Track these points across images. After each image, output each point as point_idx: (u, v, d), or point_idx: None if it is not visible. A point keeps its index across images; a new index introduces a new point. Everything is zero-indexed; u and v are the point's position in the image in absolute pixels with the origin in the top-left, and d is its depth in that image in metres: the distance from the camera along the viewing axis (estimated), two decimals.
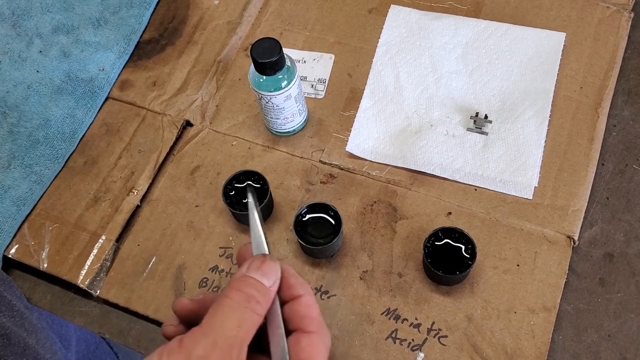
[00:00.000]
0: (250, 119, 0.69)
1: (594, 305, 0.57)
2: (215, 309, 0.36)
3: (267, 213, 0.63)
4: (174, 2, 0.78)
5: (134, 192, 0.65)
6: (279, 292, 0.39)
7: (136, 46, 0.75)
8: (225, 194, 0.61)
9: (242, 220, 0.62)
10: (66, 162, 0.68)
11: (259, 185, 0.61)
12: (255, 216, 0.42)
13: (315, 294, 0.59)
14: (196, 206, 0.64)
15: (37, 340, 0.58)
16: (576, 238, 0.59)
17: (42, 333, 0.61)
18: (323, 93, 0.69)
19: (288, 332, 0.38)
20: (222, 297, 0.37)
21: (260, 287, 0.37)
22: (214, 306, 0.37)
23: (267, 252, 0.40)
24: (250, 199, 0.43)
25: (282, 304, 0.39)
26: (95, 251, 0.62)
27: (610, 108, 0.65)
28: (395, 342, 0.56)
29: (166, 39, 0.75)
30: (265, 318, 0.38)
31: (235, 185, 0.61)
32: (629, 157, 0.63)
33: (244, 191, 0.61)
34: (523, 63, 0.67)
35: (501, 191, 0.61)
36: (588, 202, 0.61)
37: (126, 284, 0.61)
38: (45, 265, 0.62)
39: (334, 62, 0.71)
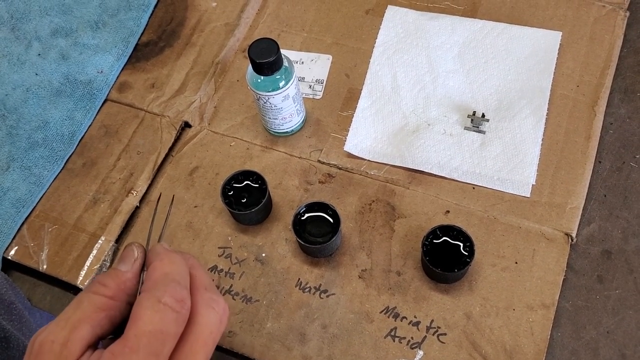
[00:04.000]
0: (248, 119, 0.69)
1: (593, 302, 0.57)
2: None
3: (266, 213, 0.63)
4: (172, 5, 0.78)
5: (133, 193, 0.66)
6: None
7: (134, 48, 0.75)
8: (224, 194, 0.61)
9: (241, 220, 0.62)
10: (65, 163, 0.68)
11: (257, 185, 0.61)
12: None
13: (314, 293, 0.59)
14: (195, 206, 0.65)
15: None
16: (574, 235, 0.59)
17: None
18: (321, 93, 0.70)
19: None
20: None
21: (110, 272, 0.39)
22: None
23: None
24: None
25: None
26: (94, 252, 0.63)
27: (606, 106, 0.65)
28: (394, 340, 0.56)
29: (164, 41, 0.76)
30: None
31: (234, 185, 0.61)
32: (626, 155, 0.64)
33: (243, 191, 0.61)
34: (520, 62, 0.68)
35: (499, 189, 0.62)
36: (585, 199, 0.61)
37: None
38: (45, 266, 0.62)
39: (331, 62, 0.71)
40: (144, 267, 0.40)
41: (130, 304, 0.39)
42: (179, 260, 0.39)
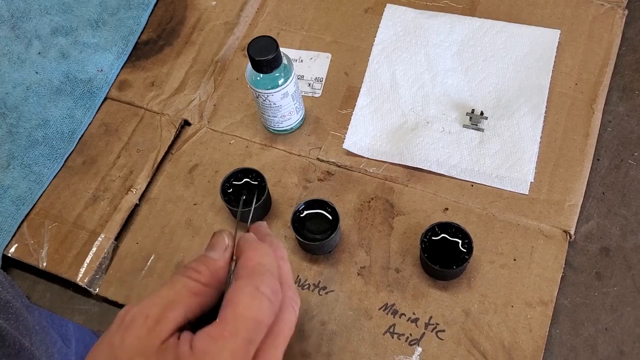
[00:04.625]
0: (247, 117, 0.69)
1: (591, 299, 0.58)
2: None
3: (265, 210, 0.63)
4: (172, 4, 0.78)
5: (132, 191, 0.66)
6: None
7: (134, 47, 0.75)
8: (224, 191, 0.61)
9: (239, 217, 0.62)
10: (65, 161, 0.69)
11: (257, 183, 0.61)
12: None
13: (313, 290, 0.59)
14: (194, 204, 0.65)
15: (32, 342, 0.58)
16: (572, 232, 0.59)
17: (39, 335, 0.61)
18: (320, 92, 0.70)
19: None
20: None
21: (202, 258, 0.40)
22: None
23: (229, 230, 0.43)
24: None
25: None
26: (94, 249, 0.63)
27: (605, 104, 0.65)
28: (393, 337, 0.56)
29: (164, 39, 0.76)
30: None
31: (234, 182, 0.62)
32: (624, 153, 0.64)
33: (242, 189, 0.61)
34: (518, 60, 0.68)
35: (497, 187, 0.62)
36: (584, 197, 0.61)
37: (125, 281, 0.61)
38: (45, 263, 0.63)
39: (330, 61, 0.71)
40: (233, 255, 0.41)
41: (219, 292, 0.40)
42: (271, 252, 0.41)
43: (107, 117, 0.71)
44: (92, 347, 0.37)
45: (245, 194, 0.61)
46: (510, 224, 0.60)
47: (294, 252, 0.61)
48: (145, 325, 0.36)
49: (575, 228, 0.60)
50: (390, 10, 0.73)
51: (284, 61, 0.60)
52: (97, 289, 0.62)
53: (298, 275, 0.60)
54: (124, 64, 0.74)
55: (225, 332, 0.36)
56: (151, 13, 0.78)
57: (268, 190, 0.61)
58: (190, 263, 0.40)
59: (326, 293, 0.59)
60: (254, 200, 0.59)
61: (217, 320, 0.36)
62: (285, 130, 0.67)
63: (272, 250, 0.41)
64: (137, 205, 0.65)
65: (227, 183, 0.61)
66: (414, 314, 0.57)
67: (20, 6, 0.79)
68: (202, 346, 0.35)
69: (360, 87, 0.69)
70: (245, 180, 0.62)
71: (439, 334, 0.56)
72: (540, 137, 0.64)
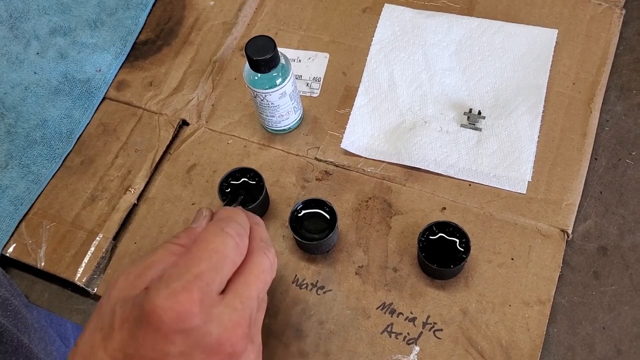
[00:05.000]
0: (246, 117, 0.69)
1: (588, 298, 0.58)
2: None
3: (263, 210, 0.63)
4: (170, 4, 0.78)
5: (130, 191, 0.66)
6: None
7: (132, 47, 0.76)
8: (221, 191, 0.61)
9: None
10: (63, 161, 0.69)
11: (254, 182, 0.61)
12: None
13: (311, 289, 0.59)
14: (192, 204, 0.65)
15: (31, 339, 0.58)
16: (570, 232, 0.59)
17: (38, 333, 0.61)
18: (318, 91, 0.70)
19: None
20: None
21: (185, 229, 0.46)
22: None
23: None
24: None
25: None
26: (92, 249, 0.63)
27: (602, 103, 0.65)
28: (390, 336, 0.56)
29: (162, 39, 0.76)
30: None
31: (231, 182, 0.62)
32: (622, 152, 0.64)
33: (240, 188, 0.61)
34: (516, 60, 0.68)
35: (495, 186, 0.62)
36: (582, 196, 0.61)
37: None
38: (43, 263, 0.63)
39: (328, 60, 0.71)
40: None
41: None
42: (242, 213, 0.45)
43: (106, 117, 0.71)
44: None
45: (243, 194, 0.61)
46: (507, 223, 0.60)
47: (291, 251, 0.61)
48: (127, 280, 0.41)
49: (573, 227, 0.60)
50: (388, 10, 0.73)
51: (282, 61, 0.60)
52: (96, 289, 0.62)
53: (296, 275, 0.60)
54: (122, 64, 0.74)
55: (188, 260, 0.39)
56: (149, 13, 0.78)
57: (266, 189, 0.61)
58: (173, 235, 0.45)
59: (324, 292, 0.59)
60: (239, 198, 0.59)
61: (185, 252, 0.41)
62: (283, 130, 0.67)
63: (248, 217, 0.45)
64: (135, 205, 0.66)
65: (225, 183, 0.61)
66: (411, 313, 0.57)
67: (19, 6, 0.79)
68: (168, 273, 0.39)
69: (358, 87, 0.69)
70: (243, 179, 0.62)
71: (436, 333, 0.56)
72: (538, 137, 0.64)
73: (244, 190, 0.61)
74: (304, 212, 0.59)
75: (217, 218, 0.44)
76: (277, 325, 0.57)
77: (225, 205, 0.51)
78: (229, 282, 0.41)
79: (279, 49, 0.59)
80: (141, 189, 0.66)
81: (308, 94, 0.70)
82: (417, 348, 0.56)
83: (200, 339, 0.38)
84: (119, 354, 0.38)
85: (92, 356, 0.39)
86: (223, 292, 0.40)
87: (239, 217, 0.44)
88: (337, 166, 0.65)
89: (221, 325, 0.38)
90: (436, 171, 0.63)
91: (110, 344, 0.39)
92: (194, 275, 0.38)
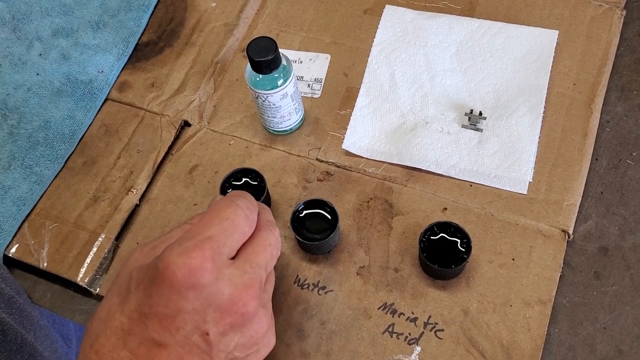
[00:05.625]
0: (247, 118, 0.70)
1: (589, 298, 0.58)
2: None
3: None
4: (172, 5, 0.79)
5: (132, 191, 0.66)
6: None
7: (135, 48, 0.76)
8: (223, 191, 0.61)
9: None
10: (66, 162, 0.69)
11: (256, 183, 0.62)
12: None
13: (313, 289, 0.59)
14: (194, 204, 0.65)
15: (36, 337, 0.58)
16: (571, 232, 0.59)
17: (42, 331, 0.61)
18: (319, 92, 0.70)
19: None
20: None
21: (201, 213, 0.46)
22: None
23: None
24: None
25: None
26: (94, 249, 0.63)
27: (603, 104, 0.66)
28: (392, 336, 0.56)
29: (164, 41, 0.76)
30: None
31: (233, 182, 0.62)
32: (623, 152, 0.64)
33: (242, 189, 0.62)
34: (517, 60, 0.68)
35: (496, 186, 0.62)
36: (582, 196, 0.61)
37: None
38: (45, 264, 0.63)
39: (330, 62, 0.72)
40: None
41: None
42: (251, 195, 0.47)
43: (108, 118, 0.72)
44: None
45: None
46: (508, 223, 0.60)
47: (293, 252, 0.61)
48: (142, 252, 0.44)
49: (574, 228, 0.60)
50: (389, 11, 0.73)
51: (283, 62, 0.61)
52: (98, 289, 0.62)
53: (297, 275, 0.60)
54: (125, 65, 0.75)
55: (200, 224, 0.42)
56: (151, 15, 0.78)
57: (268, 190, 0.61)
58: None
59: (325, 293, 0.59)
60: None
61: (198, 216, 0.44)
62: (285, 130, 0.67)
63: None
64: (137, 206, 0.66)
65: (226, 183, 0.62)
66: (412, 313, 0.57)
67: (22, 8, 0.79)
68: (183, 234, 0.41)
69: (360, 88, 0.69)
70: (244, 180, 0.62)
71: (437, 333, 0.56)
72: (539, 137, 0.64)
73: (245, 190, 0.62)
74: (305, 212, 0.60)
75: (228, 195, 0.46)
76: (279, 326, 0.58)
77: None
78: (239, 251, 0.43)
79: (280, 50, 0.59)
80: (143, 189, 0.66)
81: (309, 95, 0.70)
82: (418, 348, 0.56)
83: (212, 296, 0.40)
84: (135, 314, 0.40)
85: (109, 319, 0.41)
86: (233, 259, 0.42)
87: (248, 196, 0.46)
88: (338, 167, 0.65)
89: (232, 285, 0.40)
90: (437, 172, 0.63)
91: (127, 306, 0.41)
92: (206, 236, 0.41)
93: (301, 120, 0.68)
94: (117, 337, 0.40)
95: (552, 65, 0.67)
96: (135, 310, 0.40)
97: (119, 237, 0.64)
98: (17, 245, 0.64)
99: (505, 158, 0.63)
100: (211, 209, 0.44)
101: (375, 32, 0.72)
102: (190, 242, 0.40)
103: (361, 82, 0.69)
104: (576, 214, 0.60)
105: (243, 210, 0.44)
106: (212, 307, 0.40)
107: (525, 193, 0.61)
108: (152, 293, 0.40)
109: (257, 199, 0.60)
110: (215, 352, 0.41)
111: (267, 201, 0.63)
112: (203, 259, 0.39)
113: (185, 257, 0.39)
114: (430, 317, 0.57)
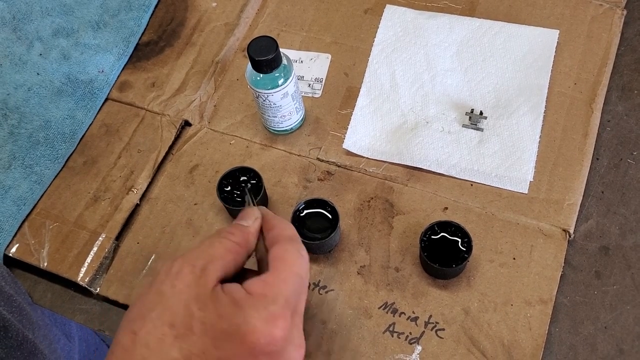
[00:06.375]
0: (248, 118, 0.70)
1: (590, 297, 0.58)
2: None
3: None
4: (173, 5, 0.79)
5: (133, 191, 0.66)
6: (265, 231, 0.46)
7: (135, 48, 0.76)
8: (220, 189, 0.61)
9: (236, 215, 0.62)
10: (66, 162, 0.69)
11: (254, 182, 0.62)
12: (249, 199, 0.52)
13: (313, 289, 0.59)
14: (195, 204, 0.65)
15: (36, 335, 0.58)
16: (572, 231, 0.59)
17: (41, 330, 0.61)
18: (320, 92, 0.70)
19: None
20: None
21: (235, 225, 0.45)
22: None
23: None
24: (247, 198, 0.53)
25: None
26: (95, 249, 0.63)
27: (604, 104, 0.66)
28: (392, 336, 0.56)
29: (165, 40, 0.76)
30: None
31: (231, 181, 0.62)
32: (623, 152, 0.64)
33: (239, 187, 0.62)
34: (517, 60, 0.68)
35: (497, 186, 0.62)
36: (583, 196, 0.61)
37: (126, 281, 0.62)
38: (46, 263, 0.63)
39: (330, 61, 0.72)
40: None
41: (248, 256, 0.44)
42: (290, 224, 0.46)
43: (108, 118, 0.72)
44: (139, 296, 0.41)
45: (248, 186, 0.61)
46: (509, 223, 0.60)
47: None
48: (193, 273, 0.40)
49: (575, 227, 0.60)
50: (389, 11, 0.73)
51: (284, 61, 0.61)
52: (98, 289, 0.62)
53: None
54: (125, 65, 0.75)
55: (279, 279, 0.40)
56: (152, 14, 0.78)
57: (265, 189, 0.61)
58: (224, 228, 0.44)
59: (326, 292, 0.59)
60: (249, 193, 0.59)
61: (270, 270, 0.41)
62: (285, 130, 0.67)
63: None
64: (137, 205, 0.66)
65: (224, 181, 0.62)
66: (413, 312, 0.57)
67: (22, 8, 0.79)
68: (260, 290, 0.40)
69: (360, 88, 0.69)
70: (242, 179, 0.62)
71: (438, 332, 0.56)
72: (540, 137, 0.64)
73: (243, 187, 0.61)
74: (306, 212, 0.60)
75: (286, 235, 0.44)
76: None
77: (250, 202, 0.51)
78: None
79: (281, 49, 0.59)
80: (144, 189, 0.66)
81: (310, 95, 0.70)
82: (419, 347, 0.56)
83: (281, 358, 0.40)
84: (197, 359, 0.39)
85: (161, 352, 0.39)
86: None
87: (298, 236, 0.45)
88: (339, 166, 0.65)
89: (294, 346, 0.41)
90: (438, 171, 0.63)
91: (188, 346, 0.39)
92: (285, 299, 0.40)
93: (302, 119, 0.68)
94: None
95: (552, 65, 0.67)
96: (198, 355, 0.39)
97: (119, 237, 0.64)
98: (17, 245, 0.64)
99: (506, 157, 0.63)
100: (281, 258, 0.42)
101: (376, 32, 0.72)
102: (274, 307, 0.39)
103: (362, 81, 0.69)
104: (577, 214, 0.60)
105: (307, 262, 0.43)
106: None
107: (526, 192, 0.61)
108: (225, 347, 0.39)
109: (255, 197, 0.60)
110: None
111: (264, 200, 0.63)
112: (286, 330, 0.39)
113: (272, 327, 0.39)
114: (431, 316, 0.57)
